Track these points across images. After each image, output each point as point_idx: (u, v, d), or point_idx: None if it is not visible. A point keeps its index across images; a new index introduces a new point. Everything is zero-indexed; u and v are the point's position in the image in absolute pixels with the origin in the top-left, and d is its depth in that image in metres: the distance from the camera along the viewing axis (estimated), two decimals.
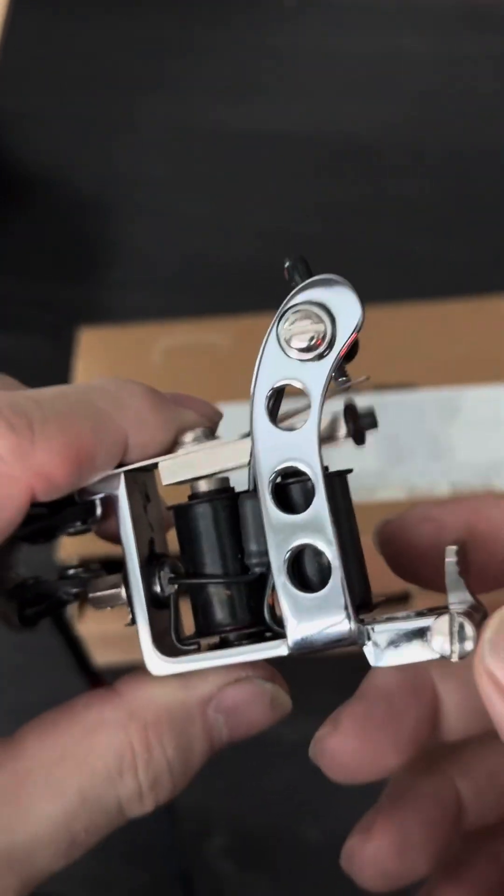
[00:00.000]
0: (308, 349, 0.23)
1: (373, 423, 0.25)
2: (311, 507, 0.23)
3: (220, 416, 0.27)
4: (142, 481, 0.26)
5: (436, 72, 0.80)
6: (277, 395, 0.24)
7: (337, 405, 0.25)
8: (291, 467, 0.23)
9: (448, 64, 0.80)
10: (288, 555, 0.23)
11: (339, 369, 0.24)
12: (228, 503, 0.24)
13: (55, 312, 0.69)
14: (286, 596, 0.23)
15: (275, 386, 0.23)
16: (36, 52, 0.83)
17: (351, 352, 0.24)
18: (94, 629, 0.50)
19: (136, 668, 0.25)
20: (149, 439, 0.24)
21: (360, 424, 0.25)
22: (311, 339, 0.23)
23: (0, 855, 0.23)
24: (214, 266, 0.71)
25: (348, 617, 0.22)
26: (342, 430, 0.25)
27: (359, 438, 0.25)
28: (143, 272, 0.72)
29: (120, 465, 0.24)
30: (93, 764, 0.23)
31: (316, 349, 0.23)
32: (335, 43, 0.82)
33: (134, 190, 0.75)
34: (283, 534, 0.23)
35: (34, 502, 0.22)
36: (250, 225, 0.73)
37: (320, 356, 0.23)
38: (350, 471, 0.25)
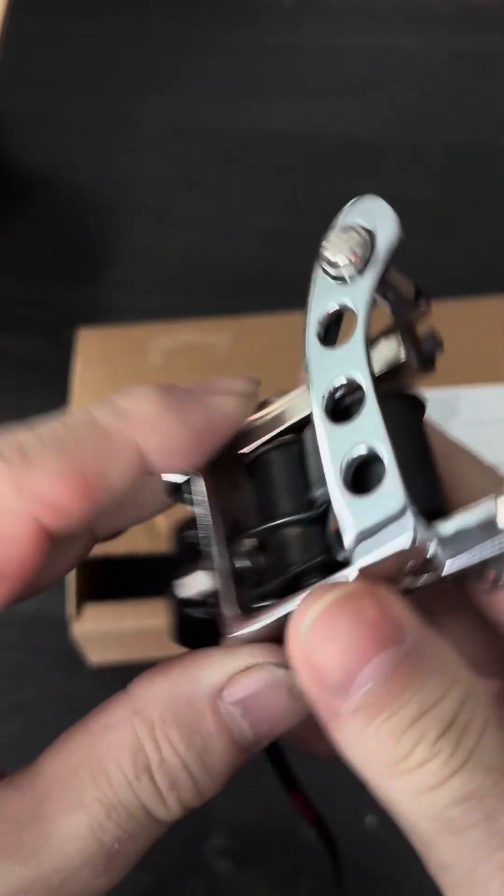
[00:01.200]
0: (348, 265, 0.23)
1: (437, 345, 0.24)
2: (362, 411, 0.21)
3: (256, 383, 0.26)
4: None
5: (436, 71, 0.80)
6: (330, 321, 0.23)
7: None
8: (343, 383, 0.22)
9: (448, 63, 0.80)
10: (343, 462, 0.21)
11: (388, 285, 0.23)
12: (295, 447, 0.24)
13: (55, 312, 0.69)
14: (343, 504, 0.21)
15: (325, 311, 0.23)
16: (36, 52, 0.83)
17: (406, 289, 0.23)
18: (94, 629, 0.50)
19: (150, 666, 0.24)
20: (165, 441, 0.23)
21: (421, 347, 0.24)
22: (350, 253, 0.23)
23: (32, 887, 0.21)
24: (214, 266, 0.71)
25: (408, 510, 0.20)
26: (403, 352, 0.24)
27: (425, 362, 0.24)
28: (143, 272, 0.72)
29: (150, 473, 0.23)
30: (107, 769, 0.22)
31: (356, 264, 0.23)
32: (335, 42, 0.82)
33: (134, 190, 0.75)
34: (336, 443, 0.21)
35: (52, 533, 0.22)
36: (250, 225, 0.73)
37: (361, 270, 0.23)
38: (422, 400, 0.23)
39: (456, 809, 0.20)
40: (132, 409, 0.23)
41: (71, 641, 0.52)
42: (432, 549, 0.20)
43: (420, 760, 0.20)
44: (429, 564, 0.20)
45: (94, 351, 0.61)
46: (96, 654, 0.54)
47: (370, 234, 0.23)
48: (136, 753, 0.22)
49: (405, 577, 0.21)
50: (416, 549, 0.20)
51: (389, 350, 0.24)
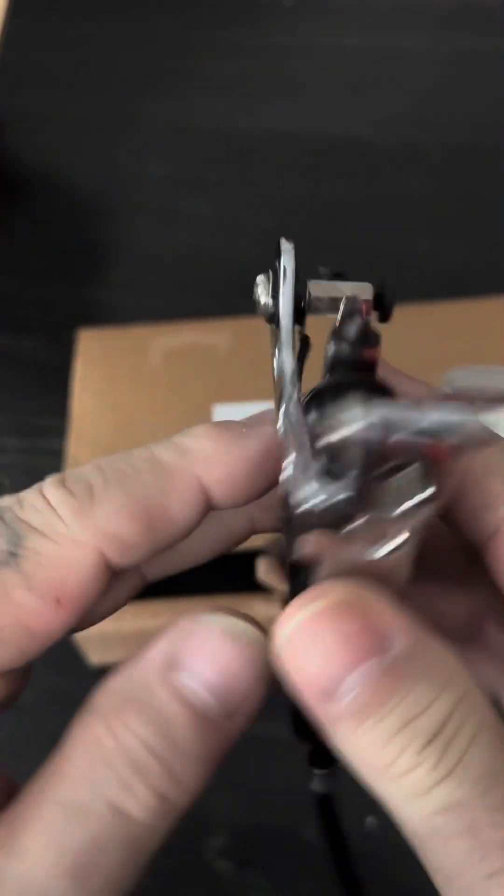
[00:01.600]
0: (260, 298, 0.26)
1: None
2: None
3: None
4: None
5: (436, 71, 0.80)
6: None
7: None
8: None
9: (448, 63, 0.80)
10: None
11: (312, 299, 0.25)
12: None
13: (55, 312, 0.69)
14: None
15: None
16: (36, 52, 0.83)
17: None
18: (94, 629, 0.50)
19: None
20: (224, 474, 0.23)
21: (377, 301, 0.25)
22: (260, 290, 0.26)
23: None
24: (214, 266, 0.71)
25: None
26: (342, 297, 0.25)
27: (383, 313, 0.25)
28: (143, 272, 0.72)
29: (211, 508, 0.24)
30: (64, 772, 0.21)
31: (266, 294, 0.26)
32: (334, 42, 0.82)
33: (134, 190, 0.75)
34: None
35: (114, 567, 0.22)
36: (250, 225, 0.73)
37: (275, 297, 0.26)
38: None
39: (440, 818, 0.20)
40: (192, 446, 0.23)
41: (71, 641, 0.52)
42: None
43: (405, 768, 0.20)
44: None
45: (94, 351, 0.61)
46: (96, 654, 0.54)
47: (276, 267, 0.25)
48: (92, 749, 0.21)
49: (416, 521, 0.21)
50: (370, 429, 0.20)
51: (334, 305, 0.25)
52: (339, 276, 0.25)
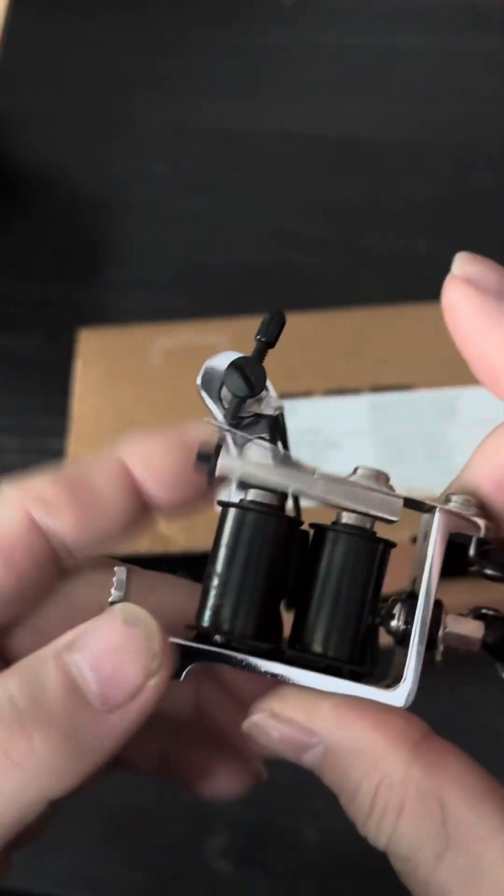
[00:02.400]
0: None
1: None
2: None
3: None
4: None
5: (435, 71, 0.80)
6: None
7: None
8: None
9: (448, 63, 0.80)
10: None
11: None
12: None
13: (55, 312, 0.69)
14: None
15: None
16: (36, 52, 0.83)
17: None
18: None
19: None
20: (152, 464, 0.29)
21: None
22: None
23: None
24: (214, 267, 0.71)
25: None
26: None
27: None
28: (143, 272, 0.72)
29: (148, 501, 0.29)
30: None
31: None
32: (334, 42, 0.82)
33: (133, 190, 0.75)
34: None
35: None
36: (250, 225, 0.73)
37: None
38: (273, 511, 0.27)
39: (398, 865, 0.24)
40: (121, 443, 0.28)
41: None
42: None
43: (363, 828, 0.24)
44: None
45: (94, 351, 0.61)
46: None
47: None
48: None
49: None
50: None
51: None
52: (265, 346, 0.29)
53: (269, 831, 0.51)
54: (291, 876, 0.50)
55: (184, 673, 0.26)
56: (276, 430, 0.28)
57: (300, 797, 0.51)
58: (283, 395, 0.60)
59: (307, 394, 0.56)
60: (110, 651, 0.24)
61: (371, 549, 0.27)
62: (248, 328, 0.60)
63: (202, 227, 0.73)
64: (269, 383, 0.29)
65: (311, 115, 0.78)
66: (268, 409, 0.29)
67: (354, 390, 0.57)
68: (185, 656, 0.26)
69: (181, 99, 0.80)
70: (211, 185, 0.75)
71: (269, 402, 0.29)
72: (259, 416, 0.28)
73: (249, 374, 0.28)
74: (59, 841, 0.51)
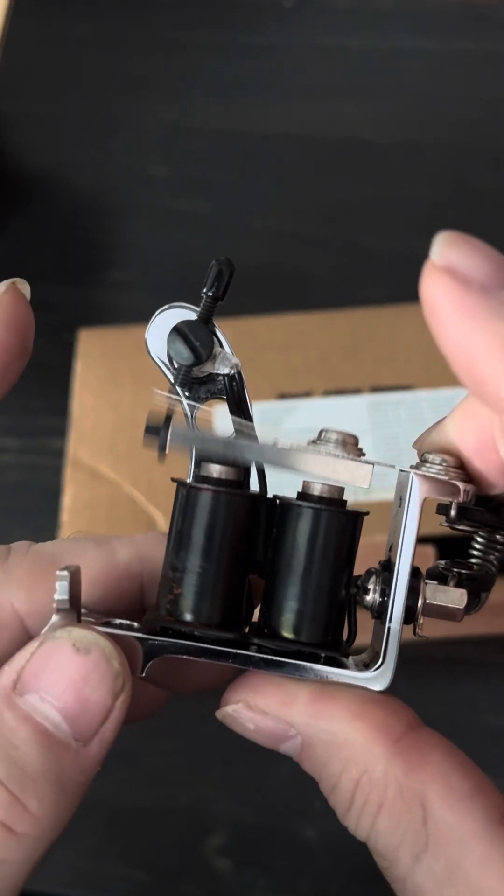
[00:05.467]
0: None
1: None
2: None
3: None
4: None
5: (435, 71, 0.80)
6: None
7: None
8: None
9: (448, 64, 0.80)
10: None
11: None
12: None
13: (55, 312, 0.69)
14: None
15: None
16: (36, 52, 0.83)
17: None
18: None
19: None
20: (35, 607, 0.26)
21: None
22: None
23: None
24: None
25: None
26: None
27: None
28: (143, 273, 0.72)
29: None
30: None
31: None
32: (334, 43, 0.82)
33: (134, 190, 0.75)
34: None
35: None
36: (250, 225, 0.73)
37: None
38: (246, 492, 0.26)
39: (377, 860, 0.24)
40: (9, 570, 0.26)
41: None
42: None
43: (343, 819, 0.24)
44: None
45: (94, 351, 0.61)
46: None
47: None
48: None
49: None
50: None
51: None
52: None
53: (268, 831, 0.51)
54: (291, 875, 0.50)
55: (146, 668, 0.25)
56: (234, 390, 0.26)
57: (300, 797, 0.51)
58: (283, 396, 0.60)
59: (307, 394, 0.56)
60: (72, 686, 0.22)
61: (338, 523, 0.25)
62: (248, 328, 0.60)
63: (202, 227, 0.73)
64: (222, 338, 0.27)
65: (311, 115, 0.78)
66: (223, 368, 0.26)
67: (354, 390, 0.57)
68: (146, 649, 0.25)
69: (181, 99, 0.80)
70: (211, 186, 0.75)
71: (224, 359, 0.26)
72: (214, 376, 0.26)
73: (193, 339, 0.26)
74: (59, 840, 0.51)
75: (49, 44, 0.83)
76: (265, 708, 0.24)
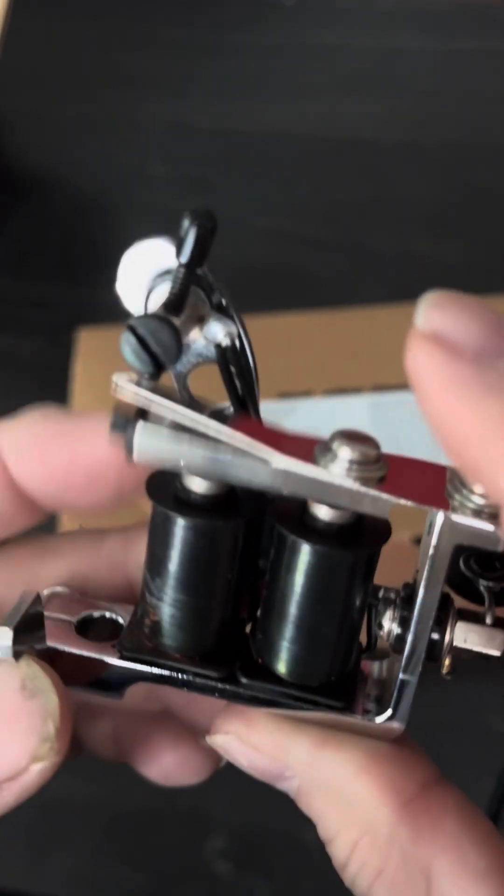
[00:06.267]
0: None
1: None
2: None
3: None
4: None
5: (436, 71, 0.80)
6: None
7: None
8: None
9: (448, 63, 0.80)
10: None
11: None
12: None
13: (55, 312, 0.69)
14: None
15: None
16: (36, 52, 0.83)
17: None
18: None
19: None
20: (37, 472, 0.24)
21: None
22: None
23: None
24: (214, 266, 0.71)
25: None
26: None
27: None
28: None
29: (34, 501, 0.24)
30: None
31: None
32: (335, 42, 0.82)
33: (133, 190, 0.75)
34: None
35: None
36: (250, 225, 0.73)
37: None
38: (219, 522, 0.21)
39: None
40: (5, 434, 0.24)
41: None
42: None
43: (339, 871, 0.21)
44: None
45: (94, 351, 0.60)
46: None
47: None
48: None
49: None
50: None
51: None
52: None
53: (268, 833, 0.51)
54: (291, 878, 0.50)
55: (124, 693, 0.22)
56: (231, 365, 0.21)
57: None
58: (284, 396, 0.60)
59: (307, 394, 0.56)
60: None
61: (347, 564, 0.20)
62: (248, 328, 0.60)
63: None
64: (217, 293, 0.21)
65: (312, 115, 0.78)
66: (216, 335, 0.20)
67: (355, 390, 0.57)
68: (124, 672, 0.22)
69: (181, 99, 0.80)
70: (211, 185, 0.75)
71: (216, 324, 0.21)
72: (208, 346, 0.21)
73: (153, 343, 0.19)
74: (59, 842, 0.51)
75: (49, 43, 0.83)
76: (259, 746, 0.21)
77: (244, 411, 0.21)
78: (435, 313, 0.16)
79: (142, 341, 0.19)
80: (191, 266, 0.20)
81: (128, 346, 0.20)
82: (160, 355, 0.19)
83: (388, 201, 0.73)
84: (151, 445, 0.20)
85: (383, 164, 0.75)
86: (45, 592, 0.23)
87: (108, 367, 0.70)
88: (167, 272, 0.21)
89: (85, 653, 0.22)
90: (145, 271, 0.21)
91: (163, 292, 0.21)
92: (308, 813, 0.22)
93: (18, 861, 0.50)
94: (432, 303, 0.16)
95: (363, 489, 0.19)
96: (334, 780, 0.21)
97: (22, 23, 0.82)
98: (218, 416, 0.20)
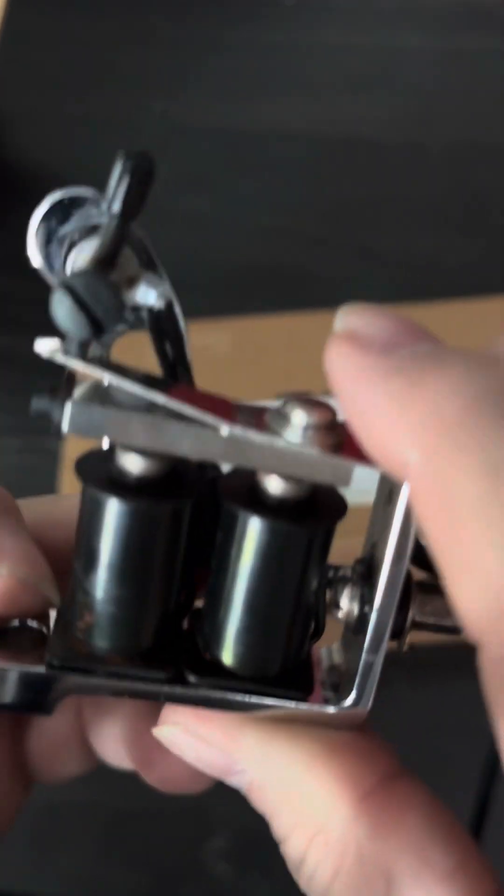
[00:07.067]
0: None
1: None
2: None
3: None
4: None
5: (437, 69, 0.80)
6: None
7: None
8: None
9: (449, 62, 0.80)
10: None
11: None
12: None
13: None
14: None
15: None
16: (36, 52, 0.83)
17: None
18: None
19: None
20: None
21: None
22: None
23: None
24: (214, 266, 0.71)
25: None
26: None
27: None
28: None
29: None
30: None
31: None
32: (336, 41, 0.82)
33: None
34: None
35: None
36: (250, 225, 0.73)
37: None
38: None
39: None
40: None
41: None
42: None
43: (293, 873, 0.20)
44: None
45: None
46: None
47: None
48: None
49: None
50: None
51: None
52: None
53: (268, 833, 0.51)
54: (291, 878, 0.50)
55: (55, 707, 0.20)
56: (162, 328, 0.19)
57: None
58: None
59: (307, 394, 0.56)
60: None
61: (302, 539, 0.19)
62: (248, 328, 0.60)
63: (202, 226, 0.73)
64: (146, 249, 0.19)
65: (312, 114, 0.78)
66: (148, 298, 0.19)
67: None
68: (51, 684, 0.20)
69: (181, 98, 0.79)
70: (211, 185, 0.75)
71: (149, 284, 0.19)
72: (134, 311, 0.19)
73: (92, 303, 0.17)
74: (59, 842, 0.51)
75: (48, 42, 0.83)
76: (207, 737, 0.20)
77: (175, 380, 0.19)
78: (349, 318, 0.18)
79: (79, 301, 0.17)
80: (125, 217, 0.18)
81: (62, 306, 0.17)
82: (101, 317, 0.17)
83: (388, 201, 0.73)
84: (85, 417, 0.17)
85: (384, 163, 0.75)
86: None
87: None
88: (92, 227, 0.19)
89: (5, 666, 0.20)
90: (65, 225, 0.19)
91: (86, 249, 0.19)
92: (261, 810, 0.20)
93: (19, 861, 0.50)
94: (347, 310, 0.18)
95: (324, 456, 0.18)
96: (287, 773, 0.19)
97: (21, 21, 0.82)
98: (153, 384, 0.18)
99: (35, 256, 0.20)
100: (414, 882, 0.18)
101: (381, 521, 0.19)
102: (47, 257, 0.20)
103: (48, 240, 0.20)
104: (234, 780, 0.20)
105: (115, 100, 0.80)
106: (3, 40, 0.81)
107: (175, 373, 0.20)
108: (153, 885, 0.50)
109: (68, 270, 0.19)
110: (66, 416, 0.17)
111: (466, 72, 0.80)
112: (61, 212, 0.20)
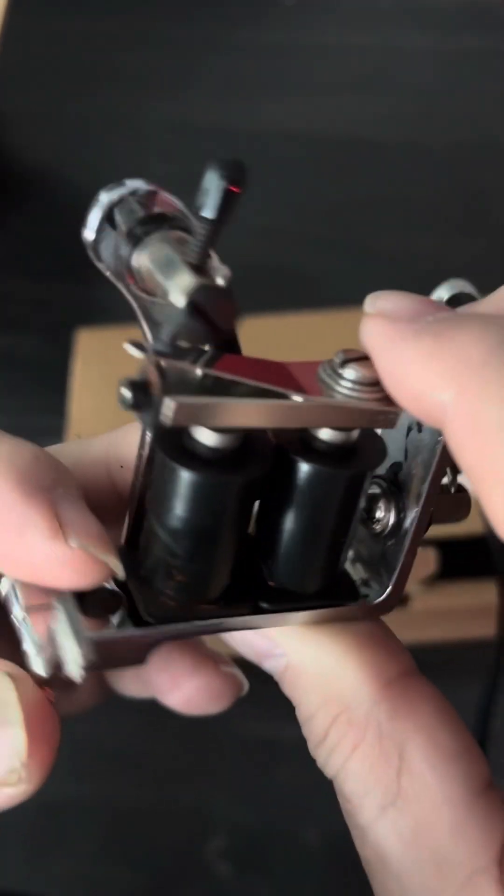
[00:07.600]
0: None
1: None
2: None
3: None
4: None
5: (437, 69, 0.80)
6: None
7: None
8: None
9: (449, 62, 0.80)
10: None
11: None
12: None
13: (55, 312, 0.69)
14: None
15: None
16: (36, 51, 0.83)
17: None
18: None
19: None
20: None
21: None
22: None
23: None
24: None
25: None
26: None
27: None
28: None
29: None
30: None
31: None
32: (336, 41, 0.82)
33: None
34: None
35: None
36: (250, 225, 0.73)
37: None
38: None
39: (341, 801, 0.22)
40: None
41: None
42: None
43: (313, 751, 0.22)
44: None
45: (93, 351, 0.60)
46: None
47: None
48: None
49: None
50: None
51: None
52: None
53: (269, 833, 0.51)
54: (292, 878, 0.50)
55: (151, 657, 0.23)
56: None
57: (301, 799, 0.50)
58: None
59: None
60: None
61: (354, 481, 0.22)
62: (248, 328, 0.60)
63: None
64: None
65: (312, 114, 0.78)
66: (215, 278, 0.21)
67: None
68: (152, 639, 0.22)
69: (181, 98, 0.79)
70: None
71: (213, 271, 0.21)
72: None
73: (212, 312, 0.19)
74: (59, 842, 0.51)
75: (49, 41, 0.83)
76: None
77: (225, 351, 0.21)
78: (378, 301, 0.22)
79: (203, 314, 0.19)
80: (219, 224, 0.20)
81: (189, 321, 0.19)
82: (221, 325, 0.19)
83: (389, 200, 0.73)
84: (187, 409, 0.19)
85: (384, 163, 0.75)
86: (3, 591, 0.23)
87: (107, 367, 0.70)
88: (157, 218, 0.21)
89: (121, 636, 0.22)
90: (134, 219, 0.20)
91: (157, 246, 0.20)
92: (290, 693, 0.23)
93: (19, 861, 0.50)
94: (375, 296, 0.22)
95: (380, 406, 0.20)
96: (322, 659, 0.22)
97: (21, 20, 0.82)
98: (208, 359, 0.20)
99: (90, 231, 0.22)
100: (424, 757, 0.21)
101: (402, 446, 0.23)
102: (99, 234, 0.22)
103: (109, 220, 0.22)
104: (268, 665, 0.23)
105: (115, 100, 0.80)
106: (3, 40, 0.81)
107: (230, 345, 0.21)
108: (153, 886, 0.50)
109: (128, 258, 0.21)
110: (171, 409, 0.19)
111: (466, 72, 0.80)
112: (129, 202, 0.22)
